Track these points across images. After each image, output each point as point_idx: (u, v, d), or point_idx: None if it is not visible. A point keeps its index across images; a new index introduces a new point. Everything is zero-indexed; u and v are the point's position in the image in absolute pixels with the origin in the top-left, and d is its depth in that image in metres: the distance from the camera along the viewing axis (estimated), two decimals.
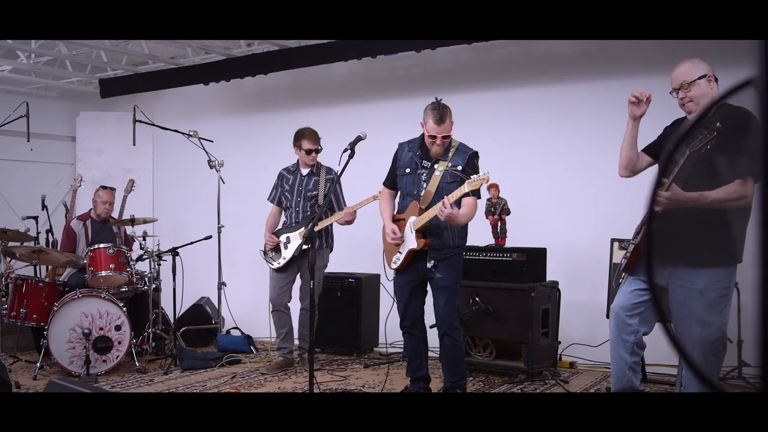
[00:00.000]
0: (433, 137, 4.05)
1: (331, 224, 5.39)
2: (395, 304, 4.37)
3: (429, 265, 4.11)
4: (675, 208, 2.96)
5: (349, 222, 5.21)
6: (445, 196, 3.90)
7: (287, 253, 5.33)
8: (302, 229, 5.28)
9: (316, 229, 5.14)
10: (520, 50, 6.04)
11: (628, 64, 5.42)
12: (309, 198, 5.35)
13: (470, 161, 4.10)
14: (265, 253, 5.48)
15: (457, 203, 3.97)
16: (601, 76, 5.63)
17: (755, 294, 0.62)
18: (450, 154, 4.11)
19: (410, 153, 4.22)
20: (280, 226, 5.52)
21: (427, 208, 4.05)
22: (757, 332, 0.61)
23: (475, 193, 4.05)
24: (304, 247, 5.07)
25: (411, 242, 4.11)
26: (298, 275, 5.44)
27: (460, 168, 4.07)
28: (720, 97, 0.69)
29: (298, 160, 5.47)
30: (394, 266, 4.24)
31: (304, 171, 5.43)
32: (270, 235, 5.45)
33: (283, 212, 5.52)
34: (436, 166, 4.11)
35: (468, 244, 5.15)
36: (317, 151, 5.38)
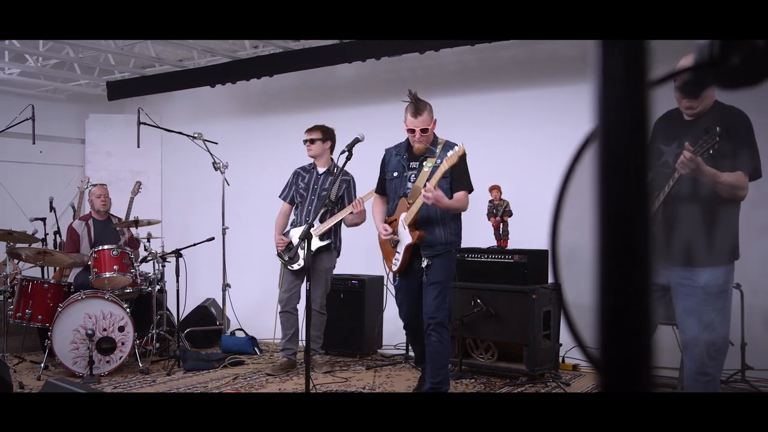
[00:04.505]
0: (412, 131, 4.06)
1: (340, 227, 5.35)
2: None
3: (423, 264, 4.08)
4: (681, 193, 3.02)
5: (358, 223, 5.16)
6: (427, 183, 3.92)
7: (303, 253, 5.21)
8: (316, 224, 5.18)
9: (326, 226, 5.13)
10: (524, 51, 6.03)
11: None
12: (323, 198, 5.26)
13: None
14: (280, 255, 5.38)
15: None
16: None
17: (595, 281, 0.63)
18: (437, 151, 4.10)
19: (397, 157, 4.23)
20: (289, 226, 5.46)
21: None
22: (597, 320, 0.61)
23: (465, 186, 4.07)
24: (316, 246, 5.07)
25: (406, 238, 4.08)
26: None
27: None
28: (572, 159, 0.69)
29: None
30: (395, 268, 4.19)
31: (321, 170, 5.39)
32: (280, 237, 5.37)
33: (293, 211, 5.49)
34: (425, 163, 4.10)
35: (470, 245, 5.19)
36: (311, 141, 5.35)
